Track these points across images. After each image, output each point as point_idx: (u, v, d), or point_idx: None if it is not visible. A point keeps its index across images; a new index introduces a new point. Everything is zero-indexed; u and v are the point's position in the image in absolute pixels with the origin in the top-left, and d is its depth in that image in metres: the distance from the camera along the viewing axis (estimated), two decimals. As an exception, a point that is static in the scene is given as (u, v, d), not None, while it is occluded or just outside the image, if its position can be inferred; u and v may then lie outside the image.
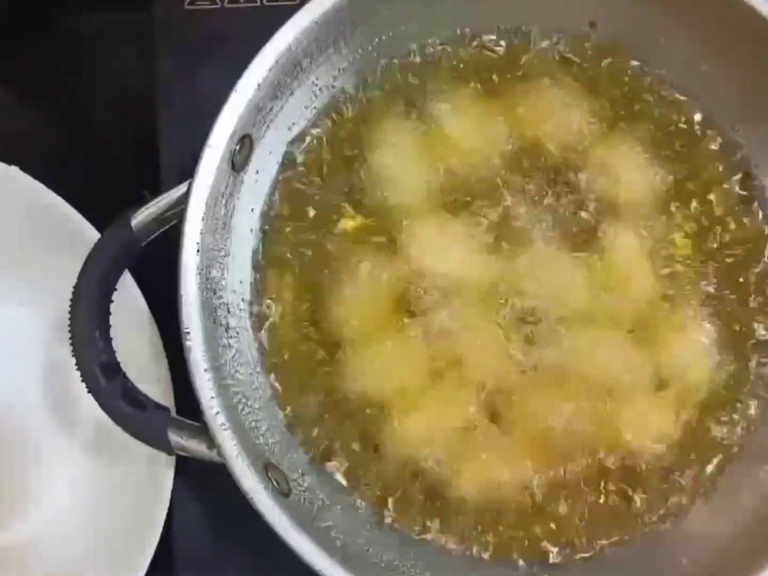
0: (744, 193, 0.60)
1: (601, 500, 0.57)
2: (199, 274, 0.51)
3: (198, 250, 0.51)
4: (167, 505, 0.58)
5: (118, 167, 0.67)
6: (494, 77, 0.61)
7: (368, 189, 0.59)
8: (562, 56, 0.61)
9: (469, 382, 0.56)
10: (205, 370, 0.51)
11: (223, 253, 0.55)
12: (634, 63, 0.61)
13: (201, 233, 0.52)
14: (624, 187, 0.59)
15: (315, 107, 0.60)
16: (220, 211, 0.54)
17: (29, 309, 0.64)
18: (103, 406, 0.52)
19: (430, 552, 0.56)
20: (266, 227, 0.59)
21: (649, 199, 0.59)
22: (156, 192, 0.54)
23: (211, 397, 0.50)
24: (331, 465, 0.57)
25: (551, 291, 0.57)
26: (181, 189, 0.53)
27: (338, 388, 0.57)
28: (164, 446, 0.53)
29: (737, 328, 0.58)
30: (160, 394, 0.57)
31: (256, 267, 0.59)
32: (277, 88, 0.55)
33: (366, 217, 0.59)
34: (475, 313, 0.56)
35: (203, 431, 0.51)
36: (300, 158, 0.60)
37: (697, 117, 0.61)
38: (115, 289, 0.54)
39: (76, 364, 0.52)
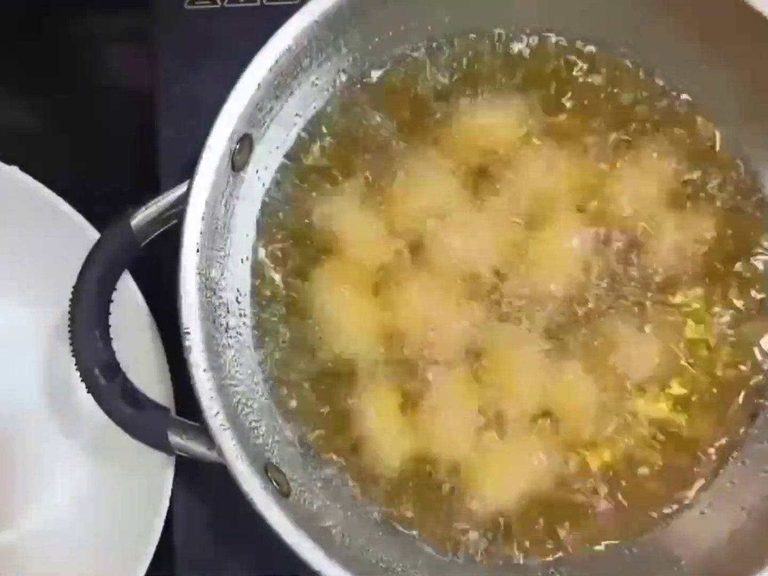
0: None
1: (601, 500, 0.57)
2: (199, 274, 0.51)
3: (198, 250, 0.51)
4: (167, 505, 0.58)
5: (118, 167, 0.67)
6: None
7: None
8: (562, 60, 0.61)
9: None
10: (205, 370, 0.51)
11: (223, 253, 0.55)
12: (633, 64, 0.61)
13: (201, 233, 0.52)
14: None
15: (315, 107, 0.60)
16: (220, 211, 0.54)
17: (29, 309, 0.64)
18: (103, 406, 0.52)
19: (430, 553, 0.56)
20: (266, 227, 0.59)
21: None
22: (156, 192, 0.54)
23: (211, 397, 0.50)
24: (331, 465, 0.57)
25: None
26: (181, 189, 0.53)
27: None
28: (164, 446, 0.53)
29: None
30: (160, 394, 0.57)
31: (256, 267, 0.59)
32: (277, 88, 0.55)
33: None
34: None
35: (203, 431, 0.51)
36: (300, 158, 0.60)
37: (697, 118, 0.61)
38: (115, 289, 0.54)
39: (76, 364, 0.52)
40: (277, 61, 0.54)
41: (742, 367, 0.58)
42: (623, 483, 0.57)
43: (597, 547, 0.57)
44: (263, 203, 0.59)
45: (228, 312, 0.56)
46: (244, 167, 0.56)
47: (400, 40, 0.60)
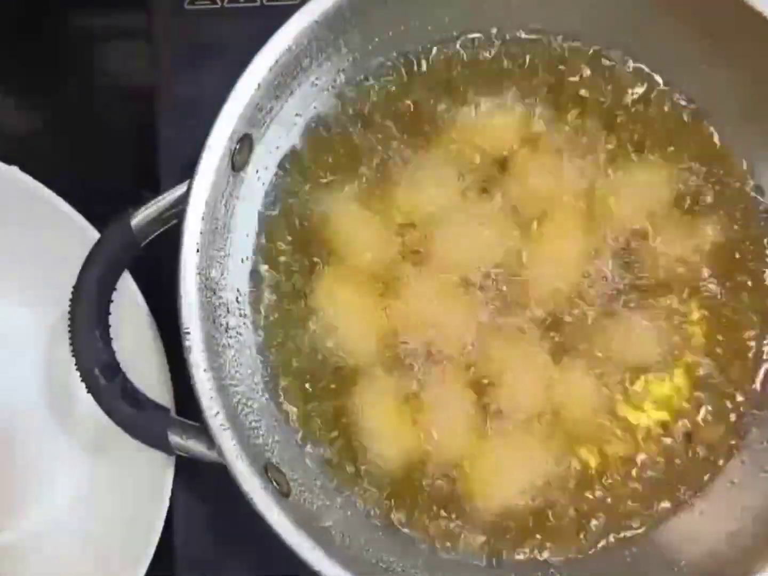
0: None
1: (601, 499, 0.57)
2: (199, 274, 0.51)
3: (198, 250, 0.51)
4: (167, 505, 0.58)
5: (118, 167, 0.67)
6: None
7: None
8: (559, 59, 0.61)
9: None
10: (205, 370, 0.51)
11: (222, 253, 0.55)
12: (634, 65, 0.61)
13: (201, 233, 0.52)
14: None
15: (315, 107, 0.60)
16: (220, 211, 0.54)
17: (29, 309, 0.64)
18: (103, 406, 0.52)
19: (429, 553, 0.56)
20: (266, 227, 0.59)
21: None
22: (156, 192, 0.54)
23: (211, 397, 0.50)
24: (331, 464, 0.57)
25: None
26: (181, 189, 0.53)
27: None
28: (164, 446, 0.53)
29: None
30: (160, 394, 0.57)
31: (256, 267, 0.59)
32: (277, 88, 0.55)
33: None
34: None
35: (203, 431, 0.51)
36: (300, 158, 0.60)
37: (697, 118, 0.61)
38: (115, 289, 0.54)
39: (76, 364, 0.52)
40: (277, 61, 0.54)
41: (742, 368, 0.59)
42: (623, 482, 0.57)
43: (597, 547, 0.57)
44: (263, 203, 0.59)
45: (228, 312, 0.56)
46: (244, 167, 0.56)
47: (400, 40, 0.60)
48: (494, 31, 0.61)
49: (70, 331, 0.52)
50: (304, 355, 0.58)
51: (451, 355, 0.57)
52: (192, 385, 0.50)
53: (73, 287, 0.53)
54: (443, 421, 0.56)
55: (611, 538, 0.57)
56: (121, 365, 0.53)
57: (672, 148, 0.60)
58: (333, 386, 0.57)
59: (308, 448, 0.57)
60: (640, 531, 0.57)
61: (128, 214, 0.54)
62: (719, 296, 0.59)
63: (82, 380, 0.52)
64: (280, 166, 0.60)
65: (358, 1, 0.55)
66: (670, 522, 0.57)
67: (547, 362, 0.57)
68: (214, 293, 0.54)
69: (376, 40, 0.59)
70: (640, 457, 0.57)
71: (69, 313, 0.53)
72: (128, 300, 0.58)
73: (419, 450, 0.56)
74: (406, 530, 0.56)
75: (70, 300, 0.53)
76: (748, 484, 0.57)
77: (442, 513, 0.56)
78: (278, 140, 0.59)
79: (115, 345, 0.53)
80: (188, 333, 0.51)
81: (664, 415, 0.58)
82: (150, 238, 0.55)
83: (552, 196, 0.58)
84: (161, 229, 0.55)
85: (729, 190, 0.60)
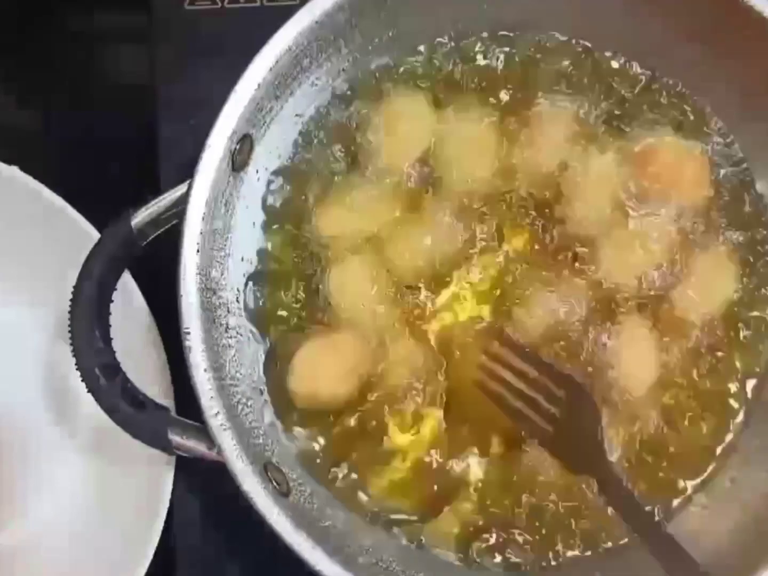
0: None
1: (601, 500, 0.57)
2: (199, 274, 0.51)
3: (198, 250, 0.51)
4: (167, 505, 0.58)
5: (118, 167, 0.67)
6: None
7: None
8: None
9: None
10: (205, 370, 0.51)
11: (223, 253, 0.55)
12: (632, 65, 0.61)
13: (201, 233, 0.52)
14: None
15: (315, 107, 0.60)
16: (220, 210, 0.54)
17: (29, 309, 0.64)
18: (103, 406, 0.52)
19: (429, 553, 0.56)
20: (266, 227, 0.59)
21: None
22: (156, 192, 0.54)
23: (211, 397, 0.50)
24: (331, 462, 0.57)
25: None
26: (181, 189, 0.53)
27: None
28: (164, 446, 0.53)
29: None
30: (160, 394, 0.57)
31: (256, 266, 0.59)
32: (277, 88, 0.55)
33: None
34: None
35: (203, 431, 0.51)
36: (300, 158, 0.60)
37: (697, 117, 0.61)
38: (115, 289, 0.54)
39: (76, 364, 0.52)
40: (277, 61, 0.54)
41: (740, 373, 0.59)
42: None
43: (596, 548, 0.57)
44: (263, 203, 0.59)
45: (228, 312, 0.56)
46: (244, 167, 0.56)
47: (400, 40, 0.60)
48: (496, 31, 0.61)
49: (70, 331, 0.52)
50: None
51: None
52: (192, 385, 0.51)
53: (73, 287, 0.53)
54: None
55: (611, 538, 0.57)
56: (121, 365, 0.53)
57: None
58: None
59: (308, 447, 0.57)
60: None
61: (128, 214, 0.54)
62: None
63: (82, 380, 0.52)
64: (280, 165, 0.60)
65: (358, 1, 0.55)
66: (671, 520, 0.57)
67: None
68: (214, 293, 0.54)
69: (376, 40, 0.59)
70: (640, 458, 0.57)
71: (69, 313, 0.53)
72: (128, 300, 0.58)
73: (420, 449, 0.56)
74: (406, 530, 0.56)
75: (70, 300, 0.53)
76: (749, 483, 0.57)
77: (442, 512, 0.56)
78: (278, 140, 0.59)
79: (115, 345, 0.53)
80: (188, 333, 0.51)
81: (663, 416, 0.58)
82: (150, 238, 0.55)
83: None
84: (161, 229, 0.55)
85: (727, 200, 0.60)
